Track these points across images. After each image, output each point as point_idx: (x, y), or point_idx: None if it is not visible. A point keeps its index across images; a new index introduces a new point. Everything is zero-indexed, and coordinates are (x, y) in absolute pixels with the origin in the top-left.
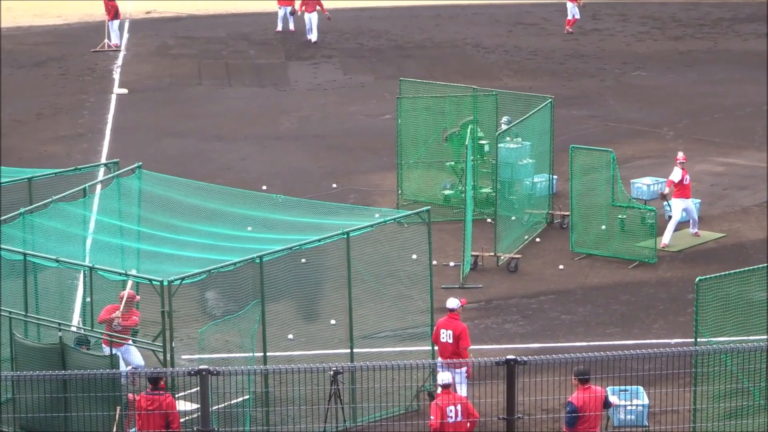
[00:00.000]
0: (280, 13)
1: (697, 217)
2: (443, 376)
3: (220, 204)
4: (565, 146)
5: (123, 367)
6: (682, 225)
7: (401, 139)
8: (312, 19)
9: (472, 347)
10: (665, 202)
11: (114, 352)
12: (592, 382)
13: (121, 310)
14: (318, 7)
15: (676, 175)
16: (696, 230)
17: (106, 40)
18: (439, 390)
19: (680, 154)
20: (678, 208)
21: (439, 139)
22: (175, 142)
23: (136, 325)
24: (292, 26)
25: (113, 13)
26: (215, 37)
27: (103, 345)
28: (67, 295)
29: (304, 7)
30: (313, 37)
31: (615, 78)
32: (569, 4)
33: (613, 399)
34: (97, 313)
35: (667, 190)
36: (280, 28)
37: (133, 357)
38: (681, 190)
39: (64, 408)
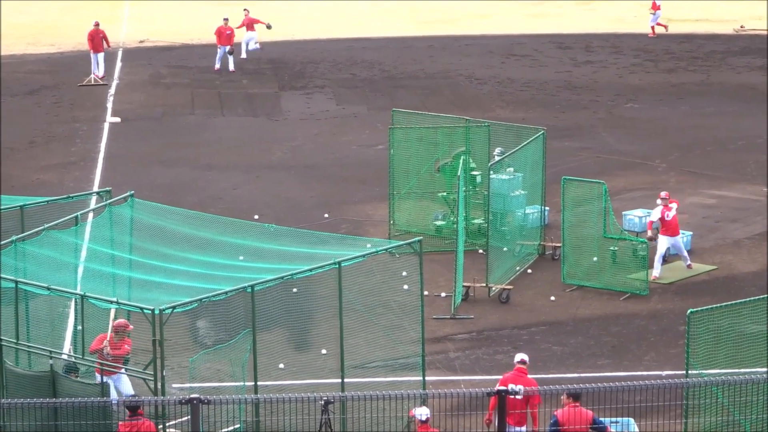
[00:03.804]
0: (219, 52)
1: (686, 251)
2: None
3: (211, 233)
4: (557, 178)
5: (114, 396)
6: (674, 258)
7: (393, 170)
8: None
9: (463, 378)
10: (653, 241)
11: (105, 380)
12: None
13: (108, 338)
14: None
15: (655, 214)
16: (689, 263)
17: (92, 74)
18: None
19: (662, 193)
20: (662, 242)
21: (432, 170)
22: (167, 171)
23: (127, 354)
24: (232, 66)
25: (98, 44)
26: (208, 67)
27: (96, 373)
28: (59, 323)
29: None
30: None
31: (607, 110)
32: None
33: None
34: (89, 341)
35: (649, 233)
36: (218, 66)
37: (124, 386)
38: (664, 227)
39: None
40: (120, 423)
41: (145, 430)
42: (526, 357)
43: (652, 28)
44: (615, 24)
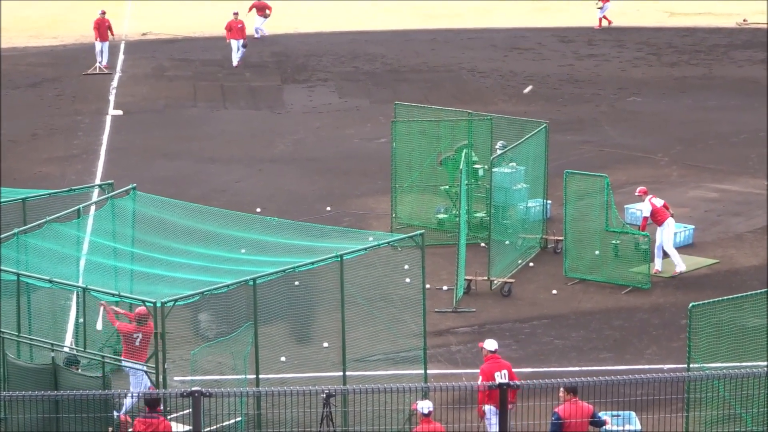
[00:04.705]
0: (234, 47)
1: (669, 251)
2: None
3: (214, 226)
4: (559, 171)
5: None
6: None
7: (396, 163)
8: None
9: (465, 371)
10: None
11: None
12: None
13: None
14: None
15: (646, 208)
16: (657, 268)
17: (97, 63)
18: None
19: (639, 189)
20: (657, 234)
21: (434, 163)
22: (169, 164)
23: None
24: (236, 60)
25: (104, 32)
26: (211, 60)
27: (124, 359)
28: (60, 315)
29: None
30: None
31: (610, 103)
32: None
33: (605, 418)
34: (90, 333)
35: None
36: (236, 62)
37: (144, 379)
38: (653, 218)
39: (56, 428)
40: (138, 419)
41: (162, 430)
42: (496, 343)
43: (599, 20)
44: (618, 18)
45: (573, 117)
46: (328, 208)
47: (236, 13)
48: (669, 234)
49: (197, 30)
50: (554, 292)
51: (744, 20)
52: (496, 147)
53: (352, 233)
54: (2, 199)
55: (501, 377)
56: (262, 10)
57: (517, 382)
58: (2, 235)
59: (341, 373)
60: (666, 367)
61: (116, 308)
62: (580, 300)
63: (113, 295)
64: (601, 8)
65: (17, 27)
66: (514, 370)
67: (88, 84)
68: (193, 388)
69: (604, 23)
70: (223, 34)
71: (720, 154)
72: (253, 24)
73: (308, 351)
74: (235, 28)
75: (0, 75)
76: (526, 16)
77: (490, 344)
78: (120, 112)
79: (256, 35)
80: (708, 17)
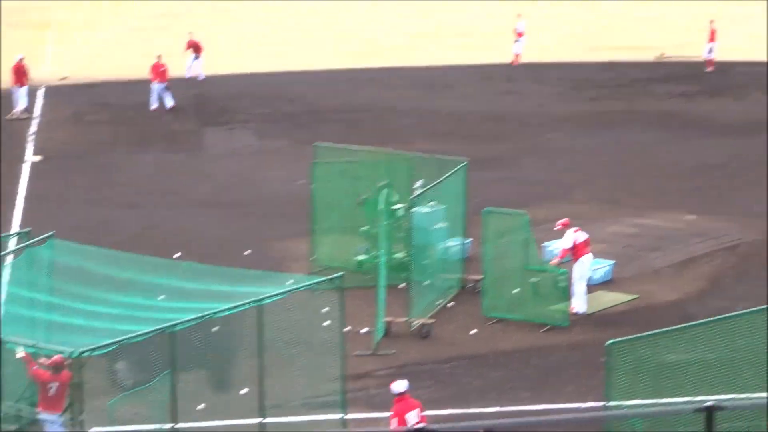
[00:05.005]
0: (156, 90)
1: (576, 289)
2: (397, 385)
3: (133, 273)
4: (479, 209)
5: None
6: (595, 287)
7: (315, 204)
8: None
9: (384, 415)
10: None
11: (47, 418)
12: None
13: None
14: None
15: (567, 240)
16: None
17: (17, 108)
18: None
19: (561, 222)
20: (574, 269)
21: (354, 204)
22: (89, 210)
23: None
24: (172, 102)
25: (23, 77)
26: (130, 104)
27: (40, 410)
28: None
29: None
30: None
31: (529, 140)
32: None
33: None
34: (7, 387)
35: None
36: (155, 105)
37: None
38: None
39: None
40: None
41: None
42: (405, 384)
43: (515, 56)
44: (537, 53)
45: (493, 154)
46: (247, 252)
47: (159, 56)
48: (582, 270)
49: (116, 74)
50: (473, 331)
51: (662, 54)
52: (415, 186)
53: (271, 277)
54: None
55: (413, 417)
56: (197, 49)
57: (435, 426)
58: None
59: (260, 420)
60: (585, 405)
61: (42, 360)
62: (500, 339)
63: (29, 345)
64: (517, 42)
65: None
66: (433, 411)
67: (7, 130)
68: None
69: (521, 59)
70: (141, 77)
71: (639, 189)
72: (187, 63)
73: (227, 398)
74: (157, 71)
75: None
76: (447, 53)
77: (398, 386)
78: (39, 158)
79: (186, 75)
80: (627, 51)
